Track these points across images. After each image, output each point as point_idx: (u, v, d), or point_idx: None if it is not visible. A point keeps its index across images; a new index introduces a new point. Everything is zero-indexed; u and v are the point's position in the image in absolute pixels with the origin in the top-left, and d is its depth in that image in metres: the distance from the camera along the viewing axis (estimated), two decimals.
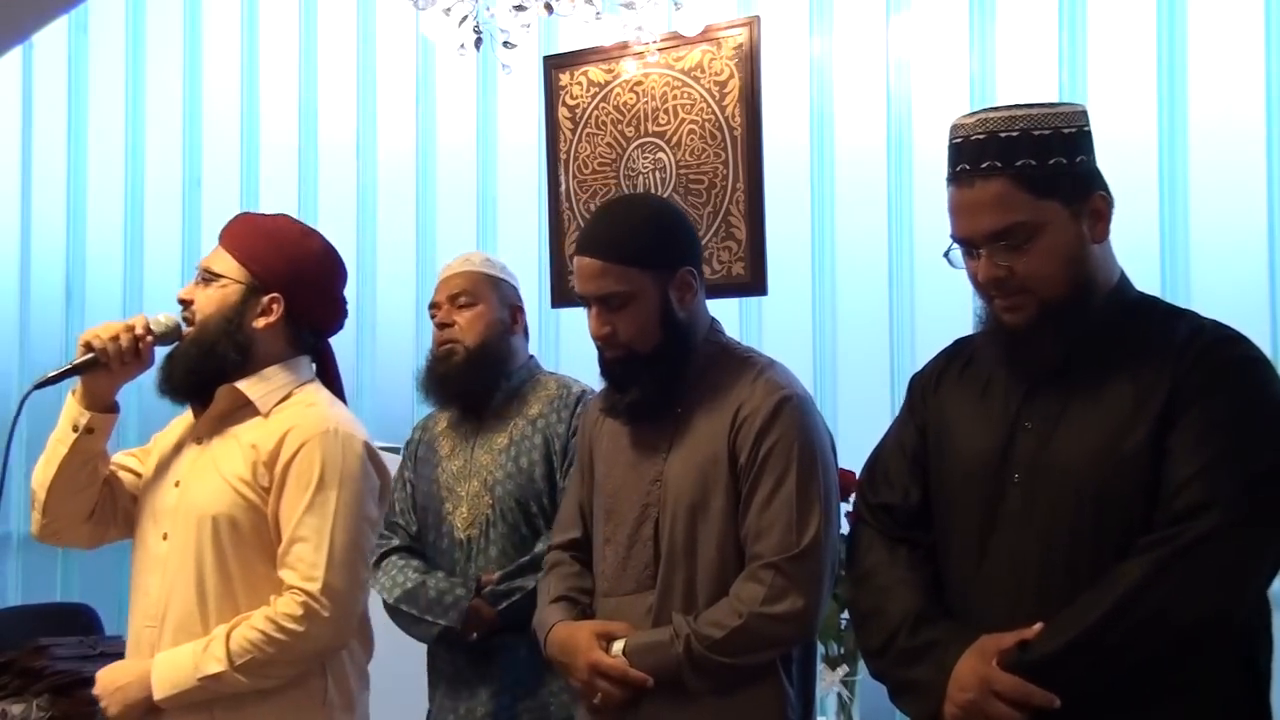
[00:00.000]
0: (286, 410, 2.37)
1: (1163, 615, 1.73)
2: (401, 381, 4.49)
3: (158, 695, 2.25)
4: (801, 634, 2.27)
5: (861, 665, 3.01)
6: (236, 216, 2.51)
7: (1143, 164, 3.32)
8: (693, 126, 3.74)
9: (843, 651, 3.02)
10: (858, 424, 3.68)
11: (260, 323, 2.37)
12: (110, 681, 2.32)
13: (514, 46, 3.33)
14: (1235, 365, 1.83)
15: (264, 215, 2.52)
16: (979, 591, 1.90)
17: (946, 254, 1.95)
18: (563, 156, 3.95)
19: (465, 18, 3.29)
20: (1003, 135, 1.85)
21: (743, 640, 2.20)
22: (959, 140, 1.90)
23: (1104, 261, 1.92)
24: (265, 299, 2.38)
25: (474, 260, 2.97)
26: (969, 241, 1.90)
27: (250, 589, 2.31)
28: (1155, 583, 1.73)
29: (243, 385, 2.36)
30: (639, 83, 3.82)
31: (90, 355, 2.32)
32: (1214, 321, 1.91)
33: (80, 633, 3.50)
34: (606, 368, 2.36)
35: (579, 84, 3.92)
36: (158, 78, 4.99)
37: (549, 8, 3.29)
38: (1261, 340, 1.95)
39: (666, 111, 3.78)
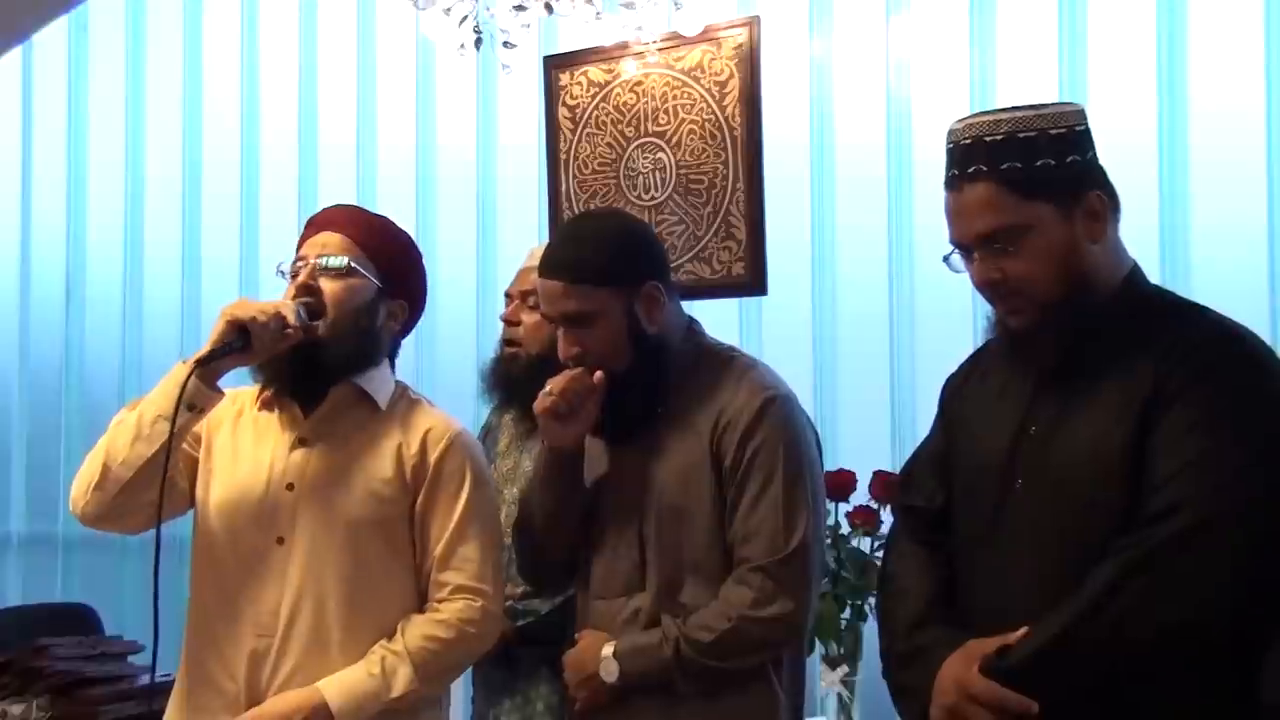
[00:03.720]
0: (410, 411, 2.33)
1: (1131, 619, 1.72)
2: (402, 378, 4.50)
3: None
4: (790, 636, 2.26)
5: (861, 665, 3.02)
6: (347, 209, 2.45)
7: (1143, 163, 3.32)
8: (693, 126, 3.74)
9: (843, 651, 3.02)
10: (858, 424, 3.69)
11: (390, 325, 2.35)
12: (278, 717, 2.17)
13: (514, 46, 3.33)
14: (1219, 364, 1.81)
15: (370, 212, 2.47)
16: (986, 595, 1.90)
17: (947, 259, 1.95)
18: (563, 156, 3.95)
19: (465, 18, 3.29)
20: (988, 139, 1.86)
21: (732, 643, 2.19)
22: (951, 145, 1.91)
23: (1106, 259, 1.91)
24: (394, 303, 2.35)
25: None
26: (961, 246, 1.91)
27: (390, 595, 2.26)
28: (1122, 586, 1.72)
29: (360, 381, 2.30)
30: (639, 83, 3.82)
31: (242, 337, 2.18)
32: (1216, 318, 1.89)
33: (80, 633, 3.49)
34: None
35: (579, 84, 3.92)
36: (158, 78, 4.98)
37: (549, 8, 3.30)
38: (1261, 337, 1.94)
39: (666, 111, 3.78)
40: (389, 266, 2.33)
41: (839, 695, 3.02)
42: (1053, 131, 1.86)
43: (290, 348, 2.23)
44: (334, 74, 4.63)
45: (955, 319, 3.41)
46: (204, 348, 2.18)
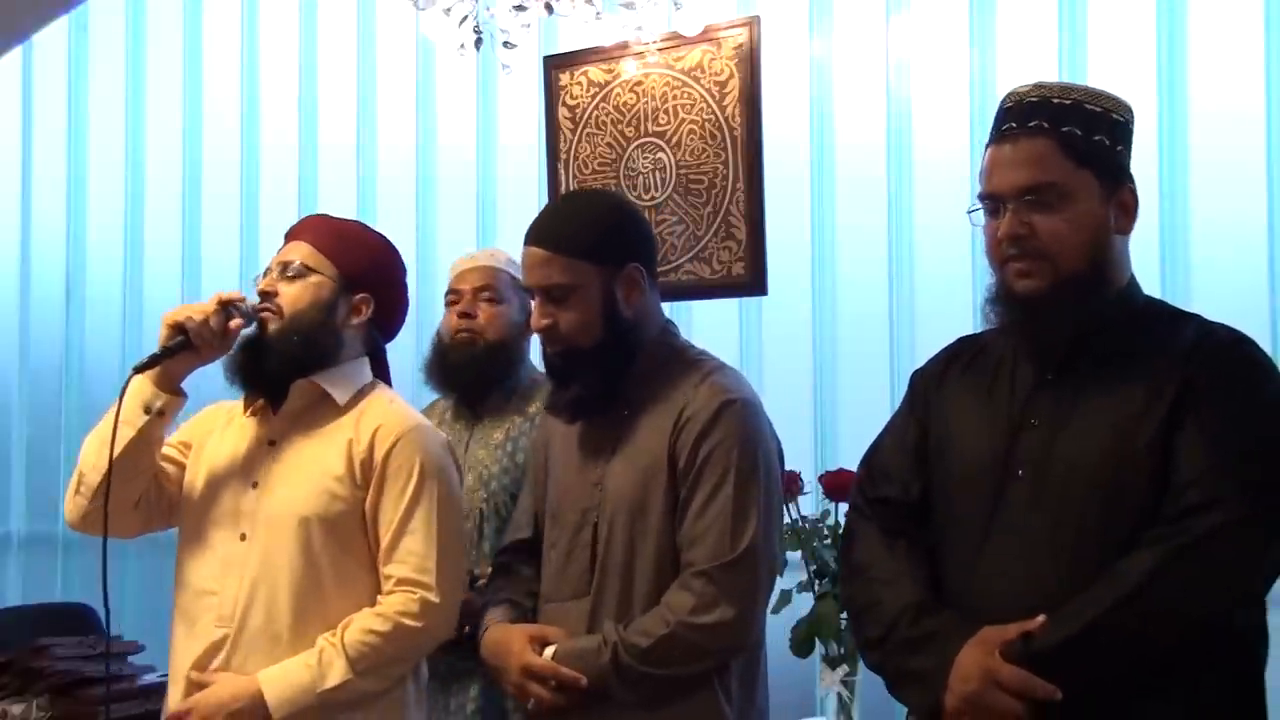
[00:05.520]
0: (368, 408, 2.36)
1: (1168, 609, 1.75)
2: (401, 376, 4.50)
3: (277, 716, 2.20)
4: (733, 644, 2.20)
5: (862, 665, 3.01)
6: (311, 217, 2.52)
7: (1143, 163, 3.30)
8: (693, 126, 3.74)
9: (843, 651, 3.01)
10: (858, 424, 3.68)
11: (353, 321, 2.38)
12: (216, 704, 2.22)
13: (514, 46, 3.33)
14: (1244, 367, 1.86)
15: (338, 218, 2.53)
16: (980, 586, 1.90)
17: (970, 212, 1.97)
18: (563, 156, 3.95)
19: (465, 18, 3.29)
20: (1055, 101, 1.91)
21: (670, 650, 2.15)
22: (1011, 104, 1.94)
23: (1121, 257, 1.94)
24: (356, 298, 2.39)
25: (499, 259, 3.02)
26: (998, 196, 1.91)
27: (341, 590, 2.28)
28: (1162, 577, 1.75)
29: (319, 379, 2.34)
30: (639, 83, 3.82)
31: (182, 338, 2.27)
32: (1221, 324, 1.94)
33: (80, 633, 3.49)
34: (548, 362, 2.34)
35: (579, 84, 3.92)
36: (158, 78, 4.99)
37: (549, 8, 3.30)
38: (1261, 339, 1.98)
39: (666, 111, 3.78)
40: (348, 264, 2.38)
41: (839, 695, 3.01)
42: (1115, 116, 1.93)
43: (244, 344, 2.32)
44: (334, 74, 4.63)
45: (955, 319, 3.40)
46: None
